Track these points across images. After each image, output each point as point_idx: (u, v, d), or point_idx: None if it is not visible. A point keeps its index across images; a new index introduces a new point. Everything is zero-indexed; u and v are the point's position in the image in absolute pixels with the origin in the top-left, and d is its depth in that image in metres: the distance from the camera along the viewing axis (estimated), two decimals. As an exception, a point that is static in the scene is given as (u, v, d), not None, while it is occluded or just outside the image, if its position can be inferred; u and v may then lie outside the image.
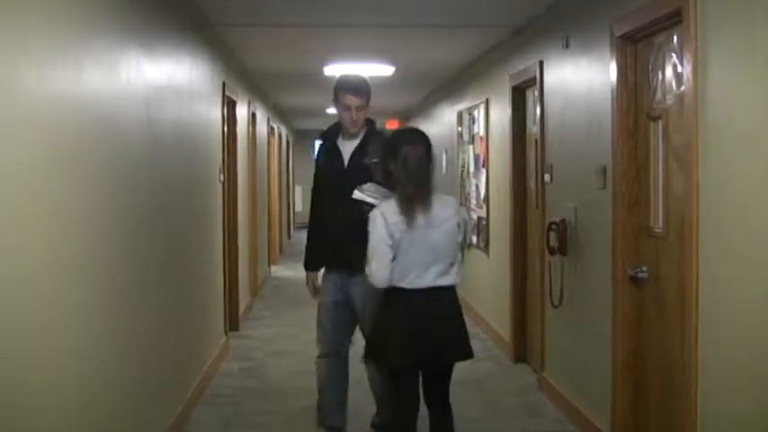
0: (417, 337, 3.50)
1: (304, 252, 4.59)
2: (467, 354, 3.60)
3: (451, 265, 3.57)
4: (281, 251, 13.76)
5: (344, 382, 4.50)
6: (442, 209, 3.57)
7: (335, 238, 4.33)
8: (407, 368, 3.56)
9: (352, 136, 4.37)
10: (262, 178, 10.32)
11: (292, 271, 11.71)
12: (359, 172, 4.23)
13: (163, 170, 4.51)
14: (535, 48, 5.74)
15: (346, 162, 4.34)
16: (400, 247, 3.49)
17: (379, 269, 3.47)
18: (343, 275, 4.35)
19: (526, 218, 6.39)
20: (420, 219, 3.50)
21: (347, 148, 4.37)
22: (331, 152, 4.41)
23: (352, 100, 4.29)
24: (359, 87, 4.32)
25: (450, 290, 3.59)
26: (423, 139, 3.59)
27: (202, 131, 5.91)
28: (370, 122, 4.43)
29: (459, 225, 3.62)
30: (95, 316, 3.24)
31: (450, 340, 3.57)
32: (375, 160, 4.17)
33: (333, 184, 4.33)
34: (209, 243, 6.18)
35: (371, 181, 4.08)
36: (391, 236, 3.48)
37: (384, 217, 3.49)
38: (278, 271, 12.06)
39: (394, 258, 3.50)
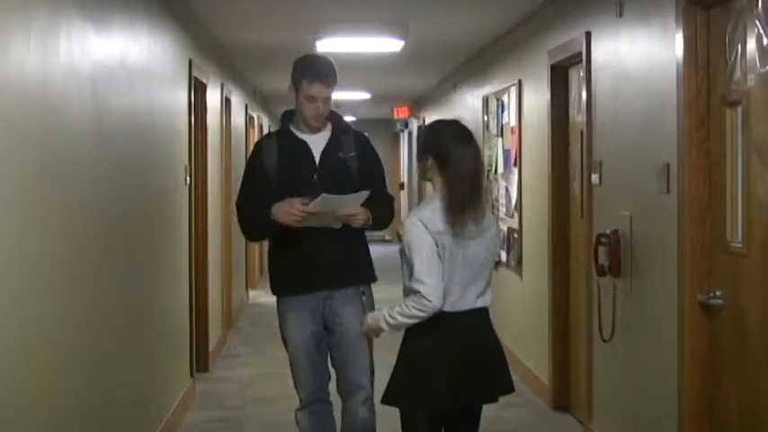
0: (463, 369, 3.66)
1: (244, 220, 4.48)
2: (509, 386, 3.82)
3: (487, 283, 3.76)
4: (261, 271, 13.74)
5: None
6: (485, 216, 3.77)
7: (307, 249, 4.32)
8: (451, 408, 3.69)
9: (317, 129, 4.42)
10: (239, 179, 10.26)
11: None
12: (335, 169, 4.33)
13: (112, 169, 4.50)
14: (580, 16, 5.72)
15: (317, 159, 4.38)
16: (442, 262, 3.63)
17: (436, 286, 3.56)
18: (321, 296, 4.37)
19: (569, 229, 6.37)
20: (471, 227, 3.65)
21: (314, 142, 4.40)
22: (293, 147, 4.41)
23: (320, 90, 4.31)
24: (329, 74, 4.34)
25: (487, 312, 3.77)
26: (472, 134, 3.75)
27: (164, 121, 5.90)
28: (332, 113, 4.48)
29: (496, 235, 3.83)
30: (12, 364, 3.19)
31: (494, 371, 3.77)
32: (352, 154, 4.37)
33: (301, 184, 4.31)
34: (172, 262, 6.17)
35: (349, 177, 4.32)
36: (437, 245, 3.60)
37: (425, 224, 3.60)
38: (258, 296, 12.04)
39: None
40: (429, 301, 3.56)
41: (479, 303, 3.71)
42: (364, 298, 4.37)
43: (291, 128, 4.45)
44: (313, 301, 4.37)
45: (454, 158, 3.65)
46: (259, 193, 4.37)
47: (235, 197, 4.74)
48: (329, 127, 4.46)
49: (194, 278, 7.02)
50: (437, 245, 3.60)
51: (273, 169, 4.39)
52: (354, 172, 4.37)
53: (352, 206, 4.21)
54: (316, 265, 4.32)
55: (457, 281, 3.64)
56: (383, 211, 4.44)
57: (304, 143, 4.39)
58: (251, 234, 4.70)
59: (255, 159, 4.50)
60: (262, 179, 4.41)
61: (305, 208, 4.17)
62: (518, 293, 7.50)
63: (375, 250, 4.68)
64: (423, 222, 3.61)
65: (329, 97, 4.35)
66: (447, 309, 3.62)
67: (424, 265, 3.57)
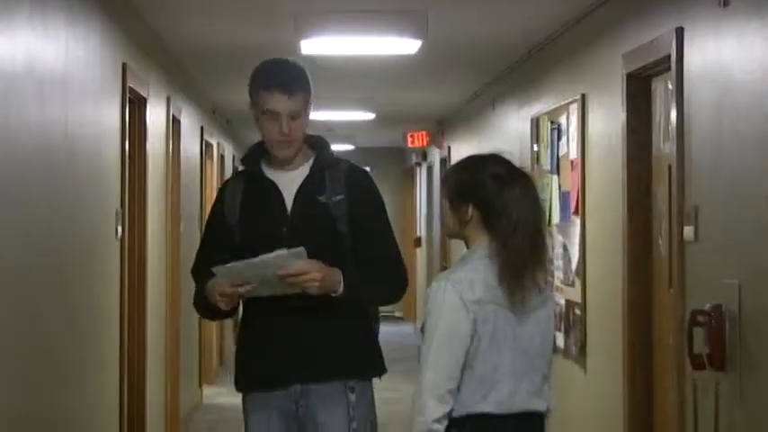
0: None
1: (195, 294, 4.57)
2: None
3: (544, 378, 3.82)
4: (221, 360, 13.70)
5: None
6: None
7: (275, 328, 4.37)
8: None
9: (290, 164, 4.47)
10: (191, 230, 10.27)
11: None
12: (312, 218, 4.37)
13: (12, 216, 4.50)
14: (668, 7, 5.75)
15: (289, 203, 4.42)
16: (480, 344, 3.66)
17: (440, 383, 3.57)
18: (294, 393, 4.39)
19: (651, 304, 6.36)
20: (533, 296, 3.75)
21: (285, 182, 4.45)
22: (260, 191, 4.47)
23: (281, 102, 4.34)
24: (293, 80, 4.38)
25: (542, 421, 3.83)
26: (523, 171, 3.87)
27: (86, 150, 5.92)
28: (317, 140, 4.54)
29: (553, 314, 3.90)
30: None
31: None
32: (339, 197, 4.38)
33: (267, 241, 4.32)
34: (94, 351, 6.16)
35: (333, 229, 4.37)
36: (473, 325, 3.63)
37: (458, 291, 3.62)
38: (216, 395, 12.01)
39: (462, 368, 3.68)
40: (426, 405, 3.55)
41: (535, 406, 3.75)
42: (353, 396, 4.35)
43: (262, 164, 4.51)
44: (284, 399, 4.40)
45: (505, 205, 3.71)
46: (219, 254, 4.40)
47: (185, 253, 4.78)
48: (311, 160, 4.50)
49: (126, 372, 6.98)
50: (474, 321, 3.61)
51: (236, 221, 4.46)
52: (341, 223, 4.39)
53: (289, 264, 4.18)
54: (283, 349, 4.36)
55: (506, 369, 3.68)
56: (380, 282, 4.44)
57: (273, 185, 4.44)
58: (204, 315, 4.78)
59: (216, 209, 4.58)
60: (222, 236, 4.49)
61: (221, 287, 4.23)
62: (580, 393, 7.49)
63: (380, 331, 4.64)
64: (454, 288, 3.63)
65: (300, 114, 4.38)
66: (492, 410, 3.65)
67: (432, 348, 3.61)
